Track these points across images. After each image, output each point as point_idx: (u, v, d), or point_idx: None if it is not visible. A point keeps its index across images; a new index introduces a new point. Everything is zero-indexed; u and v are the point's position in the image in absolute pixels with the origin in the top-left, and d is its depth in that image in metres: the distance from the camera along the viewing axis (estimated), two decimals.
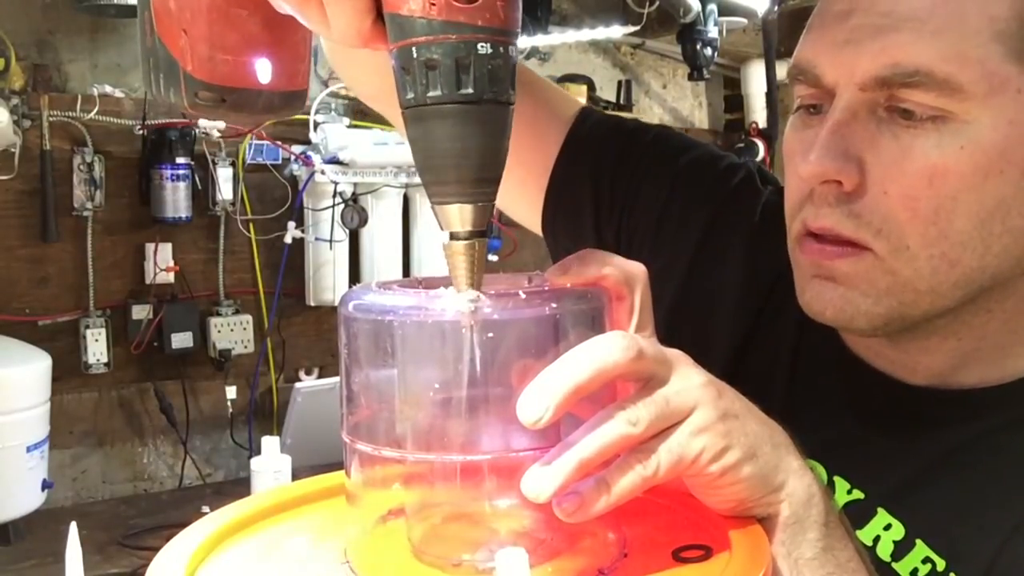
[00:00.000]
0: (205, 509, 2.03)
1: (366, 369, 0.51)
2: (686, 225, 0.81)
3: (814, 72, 0.63)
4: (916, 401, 0.67)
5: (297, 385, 2.43)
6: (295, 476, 1.98)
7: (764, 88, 3.33)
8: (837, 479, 0.67)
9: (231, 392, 2.53)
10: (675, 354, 0.50)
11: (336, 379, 2.69)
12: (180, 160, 2.37)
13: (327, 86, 2.71)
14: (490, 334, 0.47)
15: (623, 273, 0.53)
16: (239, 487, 2.30)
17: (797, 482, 0.52)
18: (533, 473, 0.46)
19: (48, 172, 2.28)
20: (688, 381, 0.49)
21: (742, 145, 3.40)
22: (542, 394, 0.45)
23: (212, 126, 2.41)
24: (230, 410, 2.55)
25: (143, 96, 2.38)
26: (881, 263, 0.61)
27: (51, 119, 2.27)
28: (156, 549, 0.49)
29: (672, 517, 0.55)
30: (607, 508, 0.47)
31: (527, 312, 0.48)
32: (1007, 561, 0.60)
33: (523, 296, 0.49)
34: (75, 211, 2.34)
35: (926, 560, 0.62)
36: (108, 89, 2.37)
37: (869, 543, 0.64)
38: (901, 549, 0.63)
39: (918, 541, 0.63)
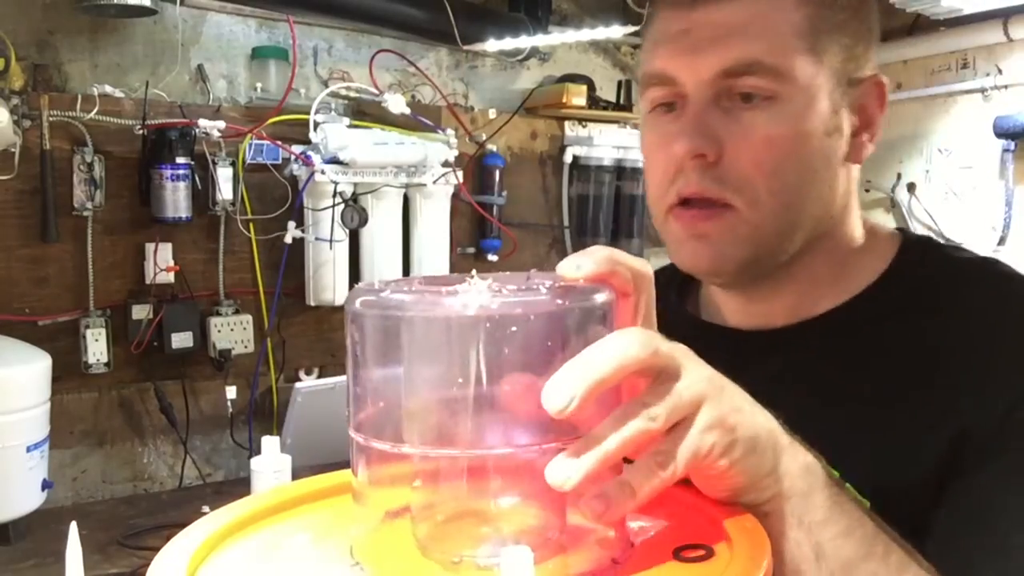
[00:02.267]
0: (205, 509, 2.02)
1: (376, 367, 0.51)
2: None
3: (668, 75, 0.80)
4: (766, 341, 0.85)
5: (297, 385, 2.43)
6: (295, 476, 1.98)
7: None
8: None
9: (231, 392, 2.53)
10: (682, 350, 0.54)
11: (336, 379, 2.72)
12: (180, 160, 2.37)
13: (327, 86, 2.71)
14: (512, 328, 0.48)
15: (631, 271, 0.58)
16: (239, 487, 2.29)
17: (790, 459, 0.58)
18: (559, 463, 0.49)
19: (48, 172, 2.28)
20: (696, 375, 0.53)
21: None
22: (568, 385, 0.48)
23: (212, 126, 2.41)
24: (230, 410, 2.55)
25: (143, 96, 2.39)
26: (740, 215, 0.78)
27: (51, 119, 2.27)
28: (156, 549, 0.49)
29: (672, 517, 0.55)
30: (632, 508, 0.50)
31: (541, 307, 0.49)
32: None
33: (542, 291, 0.50)
34: (75, 211, 2.34)
35: None
36: (108, 89, 2.37)
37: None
38: None
39: None
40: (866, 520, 0.61)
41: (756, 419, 0.56)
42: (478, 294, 0.48)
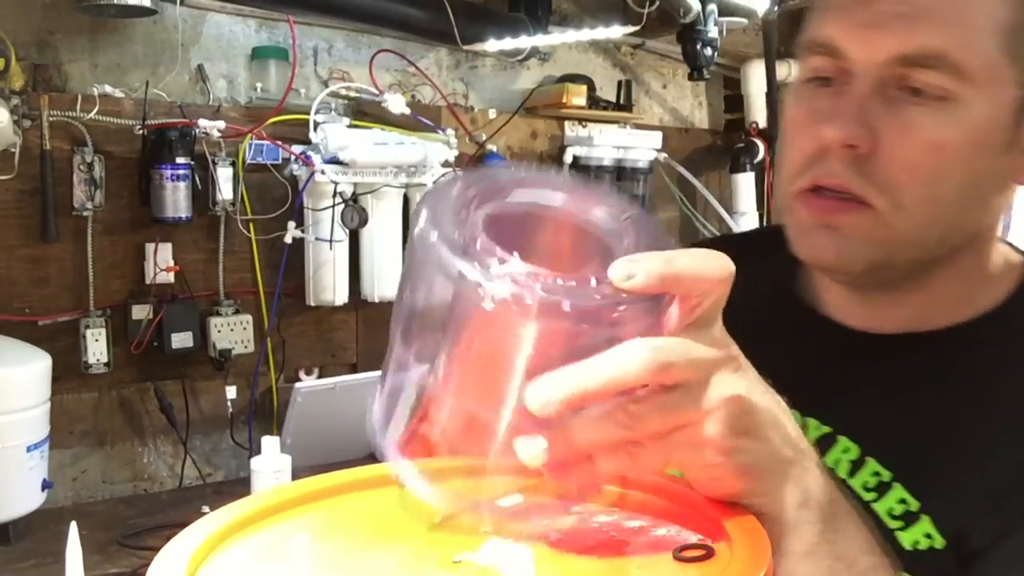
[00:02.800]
0: (205, 509, 2.02)
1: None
2: None
3: (836, 47, 0.71)
4: (876, 346, 0.78)
5: (297, 385, 2.43)
6: (295, 476, 1.98)
7: (764, 88, 3.33)
8: (809, 420, 0.75)
9: (231, 392, 2.53)
10: (717, 359, 0.51)
11: (336, 379, 2.71)
12: (180, 160, 2.37)
13: (327, 86, 2.71)
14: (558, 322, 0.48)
15: (690, 283, 0.51)
16: (239, 487, 2.30)
17: (790, 490, 0.54)
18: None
19: (48, 172, 2.28)
20: (717, 390, 0.50)
21: (742, 145, 3.41)
22: (549, 389, 0.47)
23: (212, 126, 2.42)
24: (230, 410, 2.55)
25: (143, 96, 2.39)
26: (879, 217, 0.70)
27: (51, 119, 2.27)
28: (156, 549, 0.49)
29: (672, 517, 0.55)
30: (592, 488, 0.51)
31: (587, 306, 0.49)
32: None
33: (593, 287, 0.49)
34: (75, 211, 2.34)
35: (875, 474, 0.72)
36: (108, 89, 2.37)
37: (831, 466, 0.72)
38: (855, 467, 0.72)
39: (868, 459, 0.72)
40: (862, 562, 0.57)
41: (767, 447, 0.53)
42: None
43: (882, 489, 0.70)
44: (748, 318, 0.79)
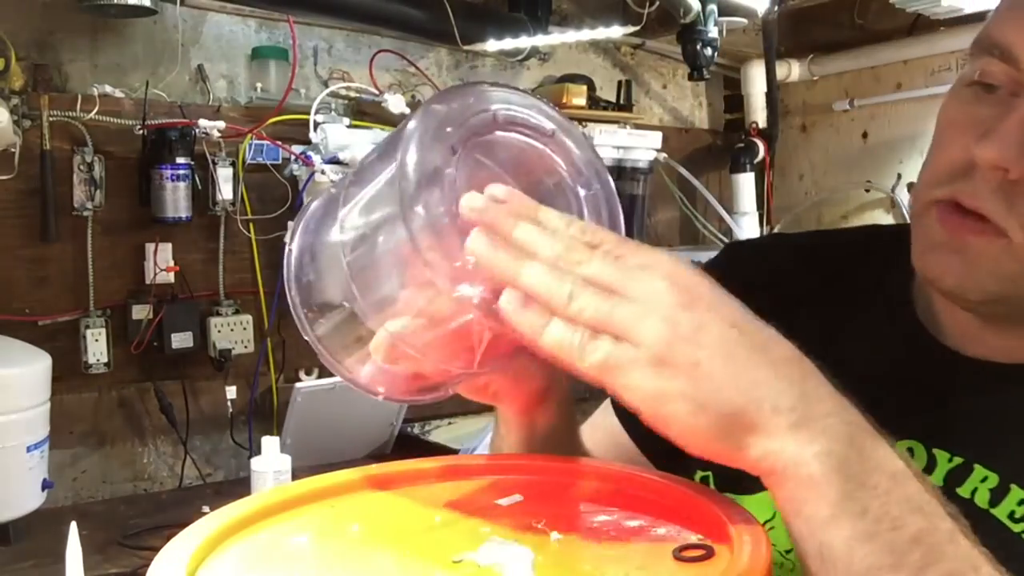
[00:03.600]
0: (205, 509, 2.02)
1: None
2: None
3: (1013, 53, 0.64)
4: (1007, 376, 0.71)
5: (297, 385, 2.43)
6: (295, 476, 1.98)
7: (764, 88, 3.33)
8: (937, 452, 0.70)
9: (231, 392, 2.53)
10: (641, 259, 0.52)
11: (336, 379, 2.71)
12: (180, 160, 2.37)
13: (327, 86, 2.71)
14: None
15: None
16: (239, 487, 2.30)
17: (795, 441, 0.49)
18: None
19: (48, 172, 2.28)
20: (647, 303, 0.50)
21: (742, 145, 3.40)
22: (480, 242, 0.51)
23: (212, 126, 2.41)
24: (230, 410, 2.55)
25: (143, 96, 2.39)
26: (1014, 251, 0.65)
27: (51, 119, 2.27)
28: (156, 549, 0.49)
29: (672, 517, 0.55)
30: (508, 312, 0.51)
31: None
32: None
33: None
34: (75, 211, 2.34)
35: (1022, 502, 0.66)
36: (108, 89, 2.37)
37: (968, 496, 0.67)
38: (997, 495, 0.67)
39: (1012, 486, 0.66)
40: (908, 523, 0.50)
41: (716, 370, 0.49)
42: None
43: None
44: (856, 330, 0.77)
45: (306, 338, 0.63)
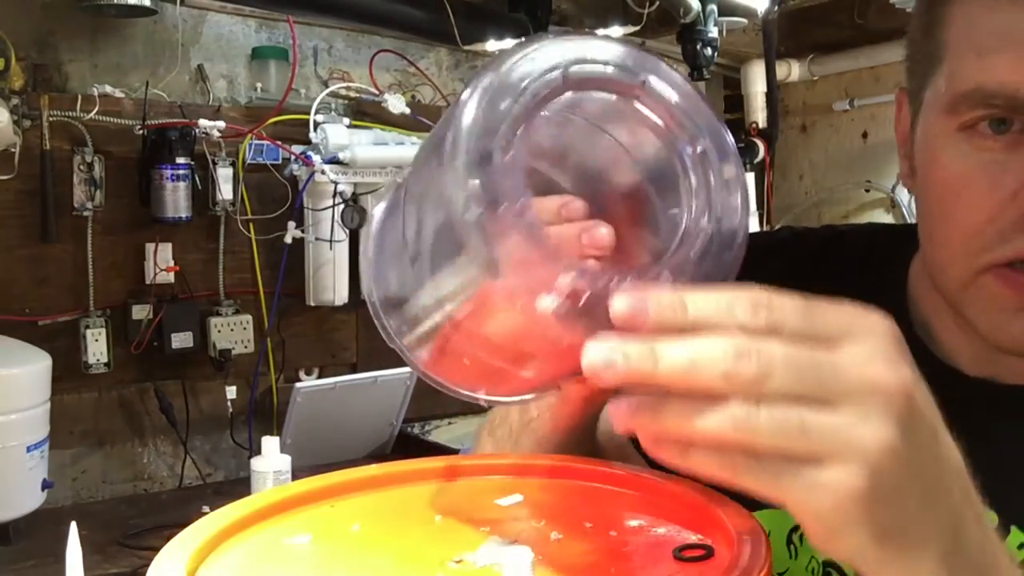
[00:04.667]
0: (205, 509, 2.02)
1: None
2: None
3: (1016, 96, 0.58)
4: (1010, 398, 0.66)
5: (297, 385, 2.43)
6: (295, 476, 1.98)
7: (764, 88, 3.32)
8: (1014, 528, 0.63)
9: (231, 392, 2.53)
10: (842, 338, 0.40)
11: (336, 379, 2.71)
12: (180, 160, 2.37)
13: (327, 86, 2.71)
14: None
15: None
16: (239, 487, 2.30)
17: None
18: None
19: (48, 172, 2.28)
20: (867, 427, 0.39)
21: (742, 145, 3.40)
22: (612, 352, 0.39)
23: (212, 126, 2.41)
24: (230, 410, 2.55)
25: (143, 96, 2.39)
26: None
27: (51, 119, 2.27)
28: (156, 549, 0.49)
29: (672, 517, 0.55)
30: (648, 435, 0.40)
31: None
32: None
33: None
34: (75, 211, 2.34)
35: (1022, 545, 0.61)
36: (108, 89, 2.37)
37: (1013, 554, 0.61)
38: None
39: (1013, 528, 0.61)
40: None
41: (925, 512, 0.41)
42: None
43: None
44: None
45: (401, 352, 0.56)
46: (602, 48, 0.48)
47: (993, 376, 0.67)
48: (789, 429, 0.38)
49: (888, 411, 0.39)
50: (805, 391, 0.38)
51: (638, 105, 0.49)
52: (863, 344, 0.40)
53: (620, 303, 0.40)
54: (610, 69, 0.48)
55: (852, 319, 0.41)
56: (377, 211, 0.57)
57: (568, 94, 0.47)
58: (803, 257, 0.79)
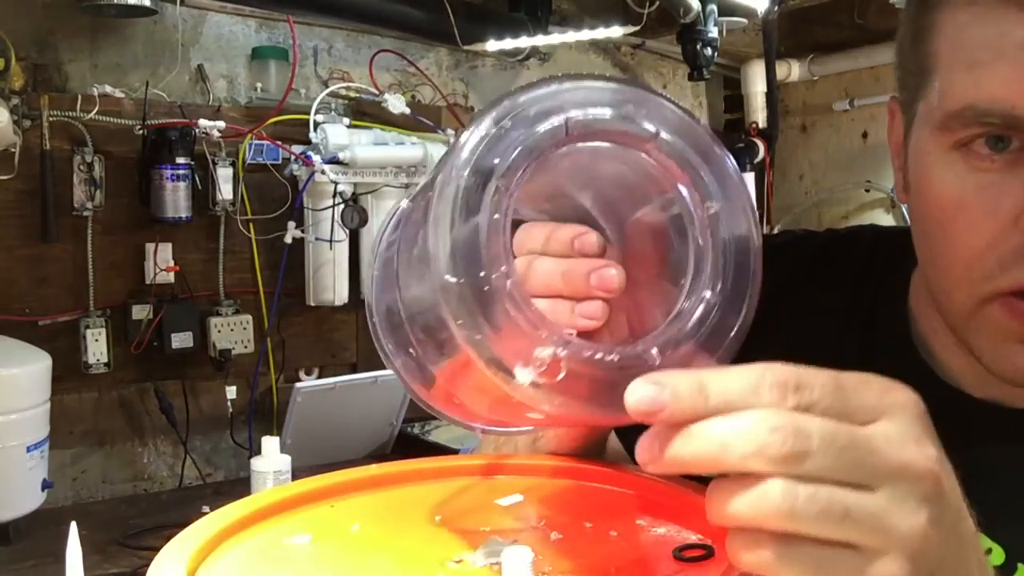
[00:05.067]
0: (205, 509, 2.02)
1: None
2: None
3: (1016, 115, 0.54)
4: (1017, 423, 0.64)
5: (297, 385, 2.43)
6: (295, 476, 1.98)
7: (764, 88, 3.33)
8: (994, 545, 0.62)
9: (231, 392, 2.53)
10: (915, 469, 0.38)
11: (336, 379, 2.71)
12: (180, 160, 2.37)
13: (327, 86, 2.71)
14: None
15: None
16: (239, 487, 2.30)
17: None
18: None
19: (48, 172, 2.28)
20: (900, 517, 0.38)
21: (742, 145, 3.40)
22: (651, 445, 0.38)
23: (212, 126, 2.42)
24: (230, 410, 2.55)
25: (143, 96, 2.39)
26: None
27: (51, 119, 2.27)
28: (156, 549, 0.49)
29: (672, 517, 0.55)
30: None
31: None
32: None
33: None
34: (75, 211, 2.34)
35: None
36: (108, 89, 2.37)
37: None
38: (1002, 574, 0.59)
39: (1020, 565, 0.60)
40: None
41: None
42: None
43: None
44: (856, 352, 0.68)
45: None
46: (606, 93, 0.47)
47: (997, 398, 0.65)
48: (833, 514, 0.37)
49: (922, 494, 0.38)
50: (844, 473, 0.37)
51: (647, 158, 0.46)
52: (894, 423, 0.39)
53: (634, 394, 0.37)
54: (614, 120, 0.46)
55: (882, 396, 0.39)
56: (385, 225, 0.55)
57: (572, 146, 0.45)
58: (804, 262, 0.77)
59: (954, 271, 0.60)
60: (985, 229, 0.57)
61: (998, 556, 0.60)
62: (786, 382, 0.37)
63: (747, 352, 0.76)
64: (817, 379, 0.38)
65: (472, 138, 0.43)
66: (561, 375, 0.41)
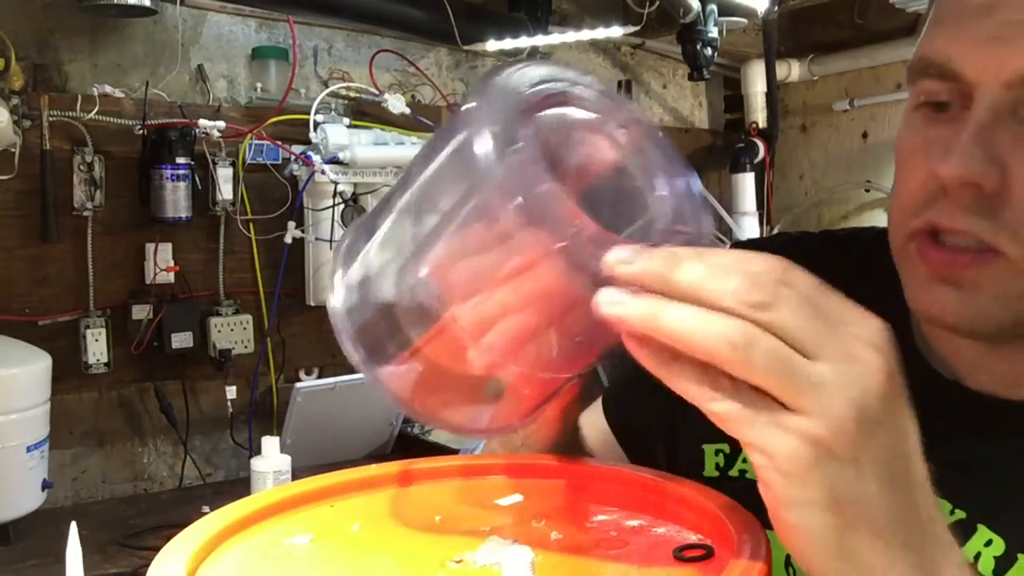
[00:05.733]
0: (205, 509, 2.02)
1: None
2: None
3: (951, 67, 0.60)
4: (1014, 414, 0.65)
5: (297, 385, 2.43)
6: (295, 476, 1.98)
7: (764, 88, 3.33)
8: (940, 502, 0.66)
9: (231, 392, 2.53)
10: (849, 316, 0.43)
11: (336, 379, 2.71)
12: (180, 160, 2.37)
13: (327, 86, 2.71)
14: None
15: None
16: (239, 487, 2.30)
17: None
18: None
19: (48, 172, 2.28)
20: (842, 374, 0.41)
21: (742, 145, 3.41)
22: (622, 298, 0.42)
23: (212, 126, 2.42)
24: (230, 410, 2.55)
25: (143, 96, 2.39)
26: (1013, 267, 0.59)
27: (51, 119, 2.27)
28: (156, 549, 0.49)
29: (672, 517, 0.55)
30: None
31: None
32: None
33: None
34: (75, 211, 2.34)
35: None
36: (108, 89, 2.37)
37: (971, 560, 0.62)
38: (1002, 565, 0.62)
39: (1020, 556, 0.62)
40: None
41: (876, 497, 0.42)
42: None
43: None
44: None
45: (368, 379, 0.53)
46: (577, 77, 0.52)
47: (992, 388, 0.66)
48: (780, 368, 0.41)
49: (866, 383, 0.42)
50: (803, 336, 0.41)
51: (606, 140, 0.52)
52: (863, 329, 0.43)
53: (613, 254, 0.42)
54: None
55: (861, 311, 0.43)
56: (345, 243, 0.56)
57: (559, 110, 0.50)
58: (802, 262, 0.77)
59: (896, 210, 0.65)
60: (919, 174, 0.62)
61: (998, 547, 0.62)
62: (773, 270, 0.43)
63: None
64: (802, 275, 0.43)
65: (488, 89, 0.48)
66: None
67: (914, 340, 0.71)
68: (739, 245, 0.86)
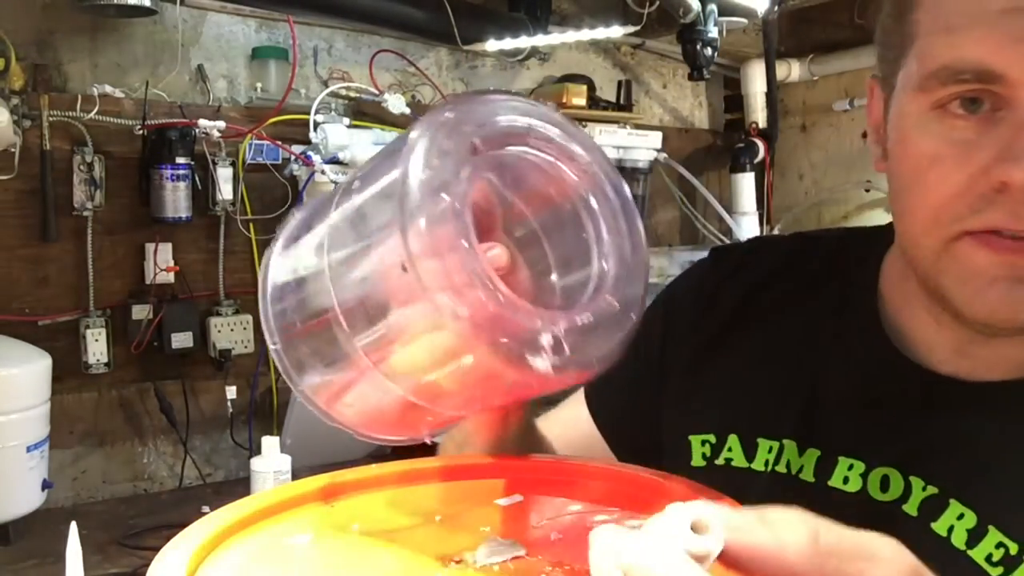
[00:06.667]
0: (205, 509, 2.02)
1: None
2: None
3: (989, 70, 0.58)
4: (983, 396, 0.68)
5: None
6: (295, 476, 1.98)
7: (764, 88, 3.33)
8: (913, 479, 0.68)
9: (231, 392, 2.53)
10: None
11: None
12: (180, 160, 2.37)
13: (327, 86, 2.71)
14: None
15: None
16: (239, 487, 2.30)
17: None
18: None
19: (48, 172, 2.28)
20: None
21: (742, 145, 3.41)
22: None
23: (212, 126, 2.42)
24: (230, 410, 2.55)
25: (143, 96, 2.39)
26: None
27: (51, 119, 2.27)
28: (156, 549, 0.49)
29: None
30: None
31: None
32: None
33: None
34: (75, 211, 2.34)
35: (999, 545, 0.63)
36: (108, 89, 2.37)
37: (944, 534, 0.65)
38: (974, 537, 0.64)
39: (990, 527, 0.64)
40: None
41: None
42: None
43: (1010, 563, 0.62)
44: (829, 343, 0.74)
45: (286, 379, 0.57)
46: (530, 107, 0.55)
47: (968, 372, 0.68)
48: None
49: None
50: None
51: (557, 162, 0.56)
52: None
53: None
54: (540, 124, 0.55)
55: None
56: (290, 224, 0.58)
57: (507, 147, 0.53)
58: (776, 262, 0.83)
59: (924, 217, 0.63)
60: (956, 179, 0.61)
61: (970, 520, 0.64)
62: None
63: (729, 346, 0.81)
64: None
65: (436, 119, 0.54)
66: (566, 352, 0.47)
67: (883, 327, 0.73)
68: (717, 251, 0.87)
